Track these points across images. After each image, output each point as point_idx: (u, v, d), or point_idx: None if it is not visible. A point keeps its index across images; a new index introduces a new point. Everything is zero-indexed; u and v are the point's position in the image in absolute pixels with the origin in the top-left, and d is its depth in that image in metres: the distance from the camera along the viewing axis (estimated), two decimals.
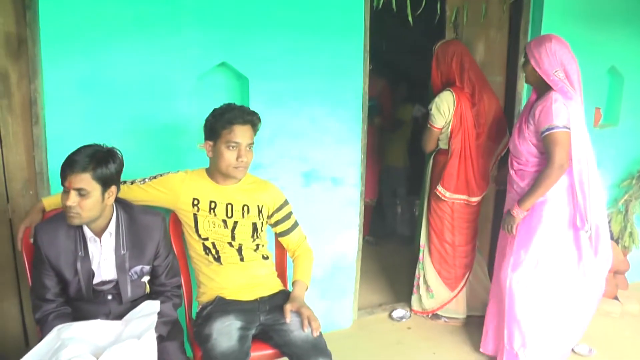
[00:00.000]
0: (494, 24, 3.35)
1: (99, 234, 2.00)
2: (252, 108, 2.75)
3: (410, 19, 2.79)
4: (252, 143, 2.26)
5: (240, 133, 2.20)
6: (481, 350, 3.14)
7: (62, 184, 1.87)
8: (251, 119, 2.25)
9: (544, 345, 2.88)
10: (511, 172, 2.91)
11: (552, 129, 2.64)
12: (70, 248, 1.97)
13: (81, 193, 1.86)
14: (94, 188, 1.88)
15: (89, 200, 1.87)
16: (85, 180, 1.85)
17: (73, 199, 1.85)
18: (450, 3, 3.23)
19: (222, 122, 2.20)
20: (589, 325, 3.31)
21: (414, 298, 3.58)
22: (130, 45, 2.49)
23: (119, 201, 2.07)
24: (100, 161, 1.88)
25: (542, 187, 2.70)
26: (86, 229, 1.98)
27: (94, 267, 2.00)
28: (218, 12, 2.66)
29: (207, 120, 2.27)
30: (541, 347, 2.87)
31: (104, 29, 2.43)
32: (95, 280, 2.02)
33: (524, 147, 2.80)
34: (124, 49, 2.48)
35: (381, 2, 2.86)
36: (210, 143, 2.26)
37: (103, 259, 2.01)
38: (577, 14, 3.55)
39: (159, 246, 2.11)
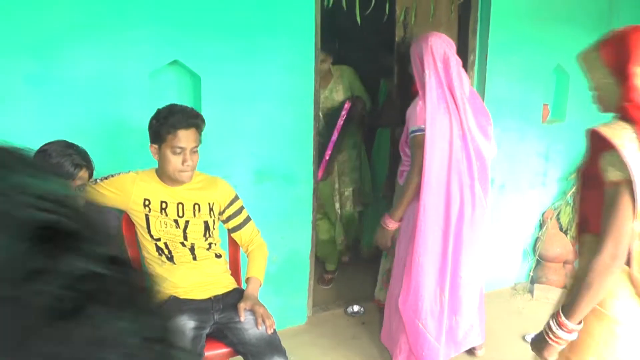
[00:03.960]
0: (442, 24, 3.42)
1: None
2: (204, 106, 2.77)
3: (358, 18, 2.83)
4: (197, 145, 2.23)
5: (185, 137, 2.17)
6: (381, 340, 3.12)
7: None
8: (195, 122, 2.21)
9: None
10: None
11: (415, 131, 2.66)
12: None
13: (80, 186, 1.89)
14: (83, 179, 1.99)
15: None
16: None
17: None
18: (399, 3, 3.28)
19: (166, 126, 2.17)
20: (537, 314, 3.41)
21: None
22: (79, 41, 2.45)
23: None
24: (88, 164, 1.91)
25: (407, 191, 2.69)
26: None
27: None
28: (170, 10, 2.64)
29: (150, 123, 2.23)
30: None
31: (53, 25, 2.39)
32: None
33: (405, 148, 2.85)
34: (74, 46, 2.44)
35: (331, 1, 2.89)
36: (155, 146, 2.23)
37: None
38: (524, 13, 3.66)
39: None
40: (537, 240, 4.06)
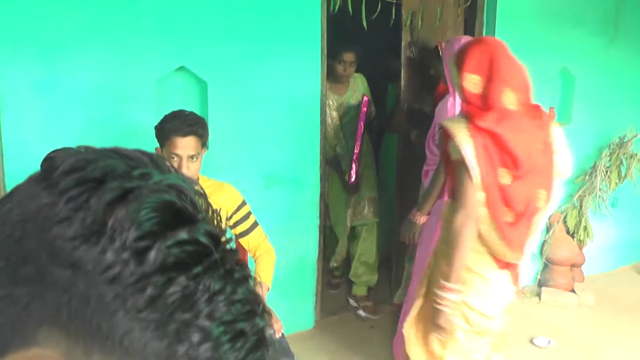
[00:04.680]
0: (449, 27, 3.43)
1: None
2: (211, 112, 2.78)
3: (364, 22, 2.84)
4: (197, 153, 2.17)
5: (181, 145, 2.12)
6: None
7: None
8: (193, 130, 2.14)
9: None
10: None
11: None
12: None
13: None
14: None
15: None
16: None
17: None
18: (405, 7, 3.29)
19: (164, 132, 2.14)
20: (548, 318, 3.41)
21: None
22: (87, 48, 2.47)
23: None
24: None
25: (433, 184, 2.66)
26: None
27: None
28: (176, 16, 2.66)
29: (155, 127, 2.21)
30: None
31: (61, 31, 2.41)
32: None
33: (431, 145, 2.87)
34: (82, 52, 2.46)
35: (337, 5, 2.90)
36: (160, 150, 2.24)
37: None
38: (530, 16, 3.66)
39: None
40: (544, 243, 4.05)
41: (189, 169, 2.17)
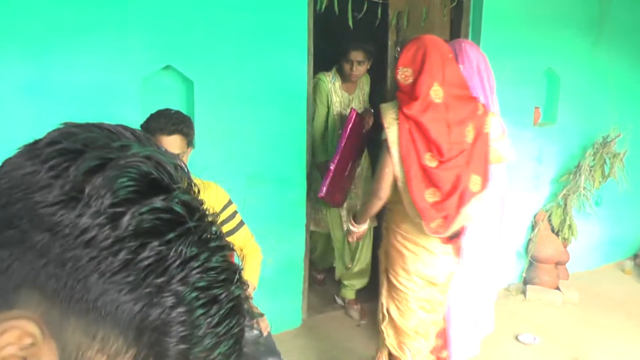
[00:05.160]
0: (435, 28, 3.45)
1: None
2: (197, 110, 2.78)
3: (350, 22, 2.85)
4: (182, 152, 2.16)
5: (167, 144, 2.10)
6: None
7: None
8: (179, 129, 2.13)
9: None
10: None
11: None
12: None
13: None
14: None
15: None
16: None
17: None
18: (392, 7, 3.30)
19: (149, 131, 2.10)
20: (533, 315, 3.44)
21: None
22: (74, 47, 2.46)
23: None
24: None
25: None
26: None
27: None
28: (163, 16, 2.65)
29: (141, 126, 2.18)
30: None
31: (48, 31, 2.40)
32: None
33: None
34: (68, 52, 2.45)
35: (324, 5, 2.91)
36: None
37: None
38: (516, 17, 3.69)
39: None
40: (529, 241, 4.09)
41: None
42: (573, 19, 3.93)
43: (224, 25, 2.81)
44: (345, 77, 3.43)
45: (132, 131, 0.46)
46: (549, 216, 4.09)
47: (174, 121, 2.14)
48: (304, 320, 3.49)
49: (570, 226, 4.10)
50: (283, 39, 2.99)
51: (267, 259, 2.78)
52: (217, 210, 1.93)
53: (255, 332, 2.18)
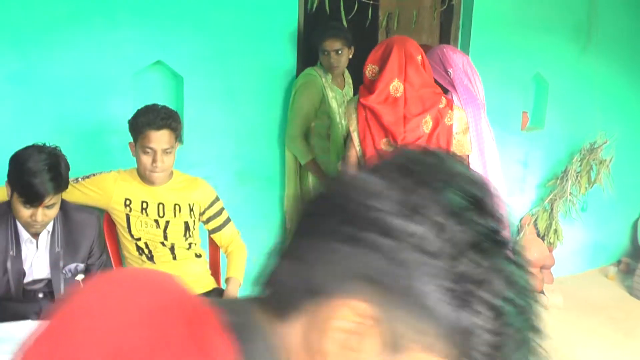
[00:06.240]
0: (425, 30, 3.47)
1: (36, 234, 1.97)
2: (186, 106, 2.78)
3: (344, 22, 2.86)
4: (170, 147, 2.19)
5: (155, 138, 2.13)
6: None
7: (32, 203, 1.85)
8: (167, 124, 2.15)
9: None
10: None
11: None
12: (0, 247, 1.93)
13: (50, 206, 1.89)
14: (59, 198, 1.94)
15: (55, 209, 1.93)
16: (55, 197, 1.89)
17: (43, 213, 1.88)
18: (382, 8, 3.32)
19: (137, 126, 2.15)
20: None
21: None
22: (64, 40, 2.46)
23: None
24: (63, 176, 1.90)
25: None
26: (21, 229, 1.95)
27: (26, 267, 1.98)
28: (154, 11, 2.65)
29: (129, 121, 2.22)
30: None
31: (37, 23, 2.39)
32: (26, 280, 1.99)
33: None
34: (58, 44, 2.45)
35: (315, 5, 2.92)
36: (133, 144, 2.24)
37: (36, 257, 1.99)
38: (505, 21, 3.72)
39: (93, 244, 2.11)
40: None
41: (164, 162, 2.18)
42: (562, 25, 3.96)
43: (215, 23, 2.81)
44: (330, 71, 3.02)
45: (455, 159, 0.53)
46: (535, 220, 4.12)
47: (162, 116, 2.15)
48: None
49: (556, 231, 4.13)
50: (273, 37, 3.00)
51: (252, 256, 2.78)
52: (205, 206, 1.96)
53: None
